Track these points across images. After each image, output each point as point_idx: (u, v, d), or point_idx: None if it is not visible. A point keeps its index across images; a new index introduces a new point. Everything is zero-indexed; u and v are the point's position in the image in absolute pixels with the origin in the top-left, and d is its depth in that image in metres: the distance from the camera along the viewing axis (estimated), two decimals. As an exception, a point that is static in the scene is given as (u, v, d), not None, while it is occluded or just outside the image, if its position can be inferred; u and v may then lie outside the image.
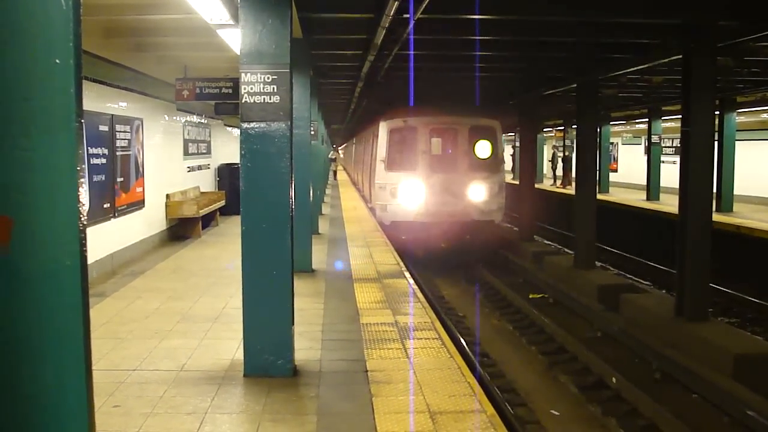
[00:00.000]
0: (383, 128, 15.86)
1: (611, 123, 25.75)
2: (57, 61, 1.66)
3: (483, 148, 15.85)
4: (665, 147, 23.70)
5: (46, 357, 1.69)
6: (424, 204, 15.33)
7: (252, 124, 5.39)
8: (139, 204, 11.79)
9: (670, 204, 17.40)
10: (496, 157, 15.96)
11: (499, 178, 15.83)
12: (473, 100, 17.71)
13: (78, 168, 1.71)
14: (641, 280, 15.38)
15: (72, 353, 1.71)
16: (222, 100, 12.25)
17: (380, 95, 16.95)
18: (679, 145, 11.51)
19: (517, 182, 18.82)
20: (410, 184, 15.35)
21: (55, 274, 1.68)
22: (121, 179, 10.82)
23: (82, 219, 1.74)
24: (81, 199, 1.73)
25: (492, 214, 15.76)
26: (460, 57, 11.54)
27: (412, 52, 10.12)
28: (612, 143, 28.37)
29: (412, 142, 15.65)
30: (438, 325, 7.06)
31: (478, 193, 15.55)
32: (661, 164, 22.39)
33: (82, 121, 1.77)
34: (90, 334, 1.79)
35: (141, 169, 11.88)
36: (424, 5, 6.83)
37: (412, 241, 15.49)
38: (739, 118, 18.97)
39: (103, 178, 9.98)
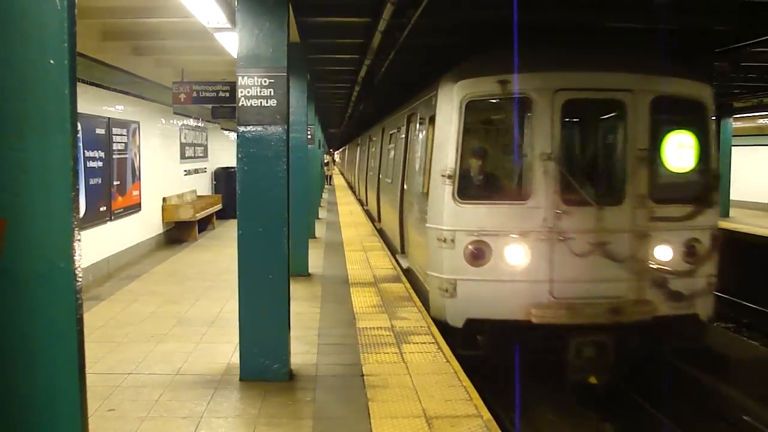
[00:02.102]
0: (449, 98, 7.31)
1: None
2: (51, 61, 1.65)
3: (682, 149, 7.33)
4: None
5: (39, 359, 1.68)
6: (547, 281, 6.90)
7: (249, 128, 5.38)
8: (136, 207, 11.77)
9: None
10: (707, 170, 7.45)
11: (711, 219, 7.36)
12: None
13: (72, 169, 1.70)
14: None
15: (65, 355, 1.71)
16: (219, 104, 12.22)
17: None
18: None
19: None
20: (516, 237, 6.93)
21: (48, 276, 1.67)
22: (118, 182, 10.79)
23: (76, 221, 1.73)
24: (75, 201, 1.72)
25: (695, 301, 7.19)
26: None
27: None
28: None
29: (517, 134, 7.25)
30: (434, 329, 7.04)
31: (669, 253, 7.13)
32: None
33: (77, 122, 1.76)
34: (83, 336, 1.78)
35: (137, 172, 11.86)
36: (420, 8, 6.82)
37: (509, 363, 6.61)
38: (735, 123, 19.04)
39: (100, 182, 9.96)
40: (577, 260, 6.88)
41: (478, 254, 6.95)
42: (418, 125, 9.26)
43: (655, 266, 7.06)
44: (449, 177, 7.12)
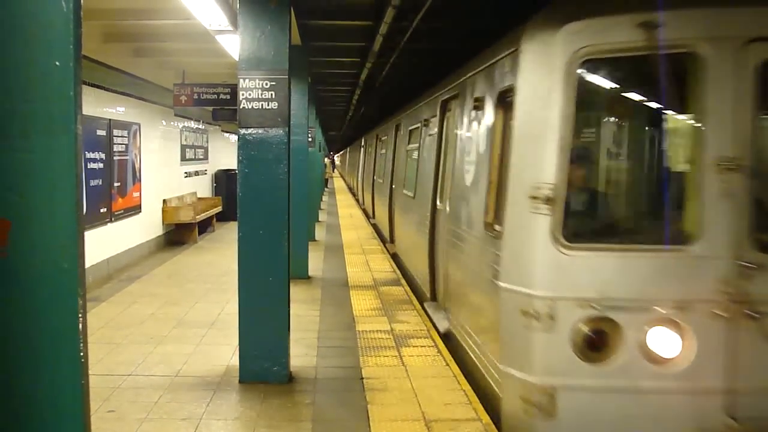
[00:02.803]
0: (546, 56, 4.16)
1: None
2: (57, 63, 1.66)
3: None
4: None
5: (42, 359, 1.68)
6: (722, 392, 3.94)
7: (250, 130, 5.39)
8: (136, 209, 11.77)
9: None
10: None
11: None
12: None
13: (77, 171, 1.70)
14: None
15: (68, 356, 1.71)
16: (220, 106, 12.30)
17: None
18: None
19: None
20: (668, 311, 3.92)
21: (52, 277, 1.68)
22: (118, 184, 10.80)
23: (80, 222, 1.73)
24: (79, 202, 1.72)
25: None
26: None
27: None
28: None
29: (673, 122, 4.22)
30: (434, 333, 7.04)
31: None
32: None
33: (81, 124, 1.77)
34: (87, 337, 1.79)
35: (138, 174, 11.86)
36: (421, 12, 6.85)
37: None
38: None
39: (100, 183, 9.97)
40: None
41: (597, 342, 4.04)
42: (467, 112, 6.04)
43: None
44: (547, 200, 4.08)
